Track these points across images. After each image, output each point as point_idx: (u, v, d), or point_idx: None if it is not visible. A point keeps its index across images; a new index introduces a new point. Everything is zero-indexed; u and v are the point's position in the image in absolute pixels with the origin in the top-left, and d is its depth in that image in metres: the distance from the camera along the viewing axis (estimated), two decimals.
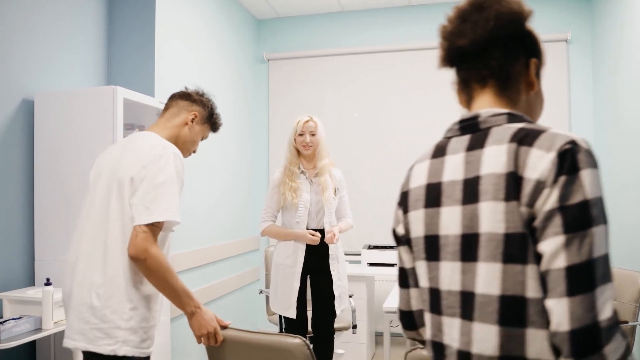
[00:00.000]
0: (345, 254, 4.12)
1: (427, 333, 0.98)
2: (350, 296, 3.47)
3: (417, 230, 0.97)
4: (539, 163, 0.81)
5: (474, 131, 0.93)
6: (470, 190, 0.88)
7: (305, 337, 1.91)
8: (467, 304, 0.88)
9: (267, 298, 3.53)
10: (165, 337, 2.93)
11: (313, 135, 2.88)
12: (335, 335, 3.08)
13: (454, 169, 0.92)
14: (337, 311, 2.95)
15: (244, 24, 4.65)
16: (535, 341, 0.82)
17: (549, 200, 0.79)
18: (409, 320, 1.08)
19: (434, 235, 0.94)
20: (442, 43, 0.99)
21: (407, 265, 1.05)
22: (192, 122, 1.87)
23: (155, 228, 1.58)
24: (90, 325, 1.58)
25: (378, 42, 4.70)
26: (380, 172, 4.64)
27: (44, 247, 2.62)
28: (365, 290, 3.93)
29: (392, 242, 3.54)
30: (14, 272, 2.55)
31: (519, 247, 0.82)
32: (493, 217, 0.84)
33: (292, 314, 2.85)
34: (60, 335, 2.44)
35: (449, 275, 0.91)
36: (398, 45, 4.64)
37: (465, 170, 0.90)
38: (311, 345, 1.59)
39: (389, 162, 4.64)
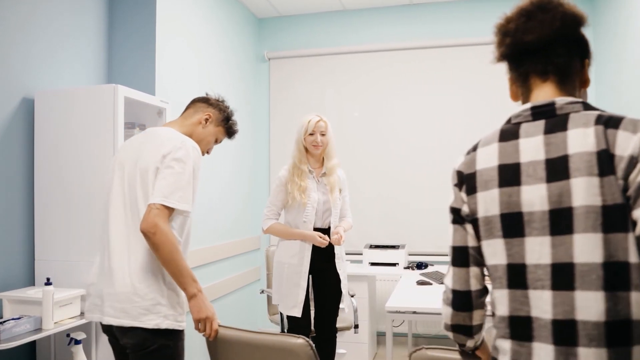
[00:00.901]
0: (347, 254, 4.12)
1: (502, 309, 1.02)
2: (352, 296, 3.46)
3: (490, 210, 1.03)
4: (628, 142, 0.92)
5: (549, 117, 1.02)
6: (557, 169, 0.96)
7: (308, 337, 1.89)
8: (562, 274, 0.94)
9: (269, 298, 3.51)
10: None
11: (323, 135, 2.89)
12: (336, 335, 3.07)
13: (534, 150, 1.00)
14: (345, 309, 3.02)
15: (244, 23, 4.63)
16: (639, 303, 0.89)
17: None
18: (466, 300, 1.10)
19: (515, 212, 1.00)
20: (503, 39, 1.10)
21: (471, 243, 1.10)
22: (205, 122, 2.00)
23: (167, 209, 1.68)
24: (133, 304, 1.69)
25: (379, 41, 4.68)
26: (381, 171, 4.63)
27: (44, 247, 2.61)
28: (367, 289, 3.92)
29: (393, 242, 3.53)
30: (14, 271, 2.53)
31: (619, 217, 0.91)
32: (589, 191, 0.92)
33: (298, 312, 2.83)
34: (60, 335, 2.43)
35: (538, 249, 0.97)
36: (399, 44, 4.62)
37: (547, 151, 0.98)
38: (314, 345, 1.57)
39: (390, 161, 4.62)
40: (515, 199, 1.00)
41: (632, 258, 0.90)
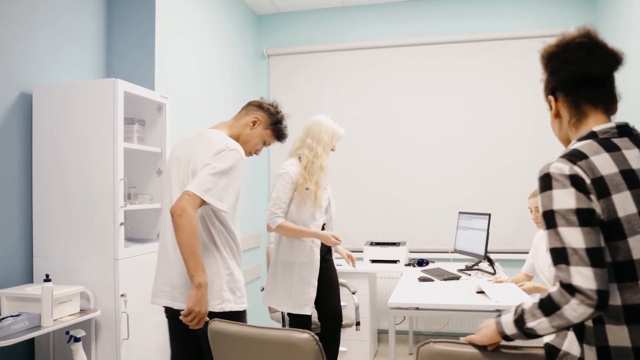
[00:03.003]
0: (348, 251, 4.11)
1: None
2: (354, 293, 3.43)
3: (628, 209, 1.15)
4: None
5: (630, 135, 1.25)
6: None
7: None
8: None
9: None
10: (166, 336, 2.87)
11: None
12: None
13: (636, 159, 1.20)
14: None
15: (244, 19, 4.60)
16: None
17: None
18: (607, 300, 1.13)
19: None
20: (562, 66, 1.30)
21: (603, 244, 1.16)
22: (253, 124, 2.15)
23: (198, 199, 1.82)
24: None
25: (380, 38, 4.66)
26: (381, 168, 4.61)
27: (43, 244, 2.58)
28: (368, 287, 3.89)
29: (393, 239, 3.52)
30: (12, 268, 2.50)
31: None
32: None
33: (309, 310, 2.79)
34: (59, 332, 2.40)
35: None
36: (399, 40, 4.60)
37: None
38: (319, 340, 1.54)
39: (390, 158, 4.60)
40: None
41: None
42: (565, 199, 1.17)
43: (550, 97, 1.36)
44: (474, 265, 3.62)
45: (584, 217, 1.15)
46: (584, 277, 1.12)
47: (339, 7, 4.75)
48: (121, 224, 2.51)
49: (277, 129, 2.21)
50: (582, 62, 1.26)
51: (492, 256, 3.60)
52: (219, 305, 1.91)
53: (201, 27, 3.81)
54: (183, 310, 1.82)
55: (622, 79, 1.32)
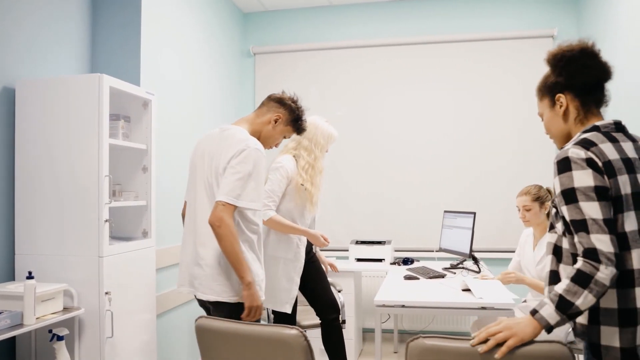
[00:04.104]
0: (333, 250, 4.11)
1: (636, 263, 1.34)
2: (339, 291, 3.44)
3: (626, 189, 1.37)
4: None
5: (623, 130, 1.49)
6: None
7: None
8: None
9: None
10: (150, 334, 2.86)
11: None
12: (319, 332, 3.05)
13: (630, 150, 1.43)
14: None
15: (230, 17, 4.58)
16: None
17: None
18: (621, 260, 1.33)
19: (637, 192, 1.38)
20: (577, 69, 1.50)
21: (613, 216, 1.36)
22: (275, 122, 2.25)
23: (231, 206, 1.98)
24: (217, 282, 2.06)
25: (367, 37, 4.67)
26: (368, 167, 4.62)
27: (26, 241, 2.53)
28: (353, 285, 3.89)
29: (379, 238, 3.58)
30: None
31: None
32: None
33: (289, 309, 2.80)
34: (41, 331, 2.36)
35: None
36: (386, 40, 4.61)
37: (637, 152, 1.44)
38: (308, 336, 1.54)
39: (376, 157, 4.61)
40: (636, 182, 1.39)
41: None
42: (584, 178, 1.37)
43: (561, 95, 1.53)
44: (458, 264, 3.64)
45: (601, 193, 1.36)
46: (603, 242, 1.31)
47: (325, 5, 4.75)
48: (106, 220, 2.48)
49: (297, 125, 2.32)
50: (598, 69, 1.50)
51: (477, 255, 3.63)
52: (234, 297, 2.05)
53: (187, 24, 3.78)
54: (203, 299, 2.08)
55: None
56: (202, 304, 2.18)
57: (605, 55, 1.53)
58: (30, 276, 2.18)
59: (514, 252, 3.27)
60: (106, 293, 2.47)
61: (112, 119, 2.63)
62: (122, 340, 2.60)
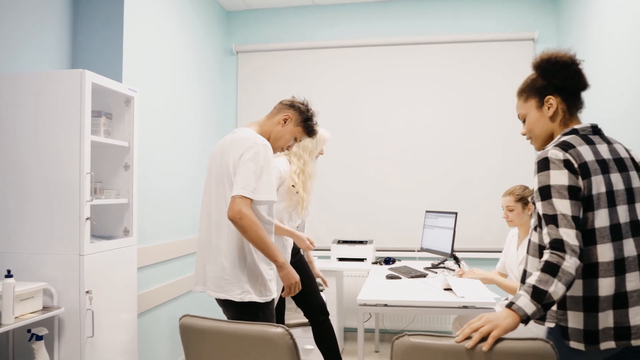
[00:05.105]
0: (315, 249, 4.11)
1: (608, 257, 1.47)
2: (322, 290, 3.44)
3: (599, 189, 1.49)
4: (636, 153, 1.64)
5: (599, 133, 1.62)
6: (620, 165, 1.56)
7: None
8: (636, 228, 1.51)
9: None
10: (131, 334, 2.82)
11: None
12: (304, 331, 3.07)
13: (606, 152, 1.56)
14: None
15: (213, 15, 4.55)
16: None
17: None
18: (584, 253, 1.44)
19: (611, 190, 1.50)
20: (576, 77, 1.64)
21: (581, 214, 1.48)
22: (284, 122, 2.30)
23: (247, 199, 2.01)
24: (224, 280, 2.11)
25: (350, 37, 4.68)
26: (350, 167, 4.64)
27: (4, 239, 2.48)
28: (335, 285, 3.90)
29: (361, 237, 3.62)
30: None
31: None
32: (636, 179, 1.57)
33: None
34: (20, 331, 2.32)
35: (624, 214, 1.51)
36: (369, 40, 4.64)
37: (611, 153, 1.57)
38: (294, 335, 1.54)
39: (359, 157, 4.63)
40: (609, 181, 1.51)
41: None
42: (560, 177, 1.48)
43: (551, 97, 1.65)
44: (440, 263, 3.68)
45: (573, 193, 1.48)
46: (569, 236, 1.43)
47: (309, 5, 4.75)
48: (87, 218, 2.45)
49: (307, 126, 2.34)
50: (584, 77, 1.65)
51: (459, 254, 3.67)
52: (239, 295, 2.09)
53: (170, 21, 3.74)
54: (214, 296, 2.15)
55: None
56: (219, 302, 2.24)
57: (586, 57, 1.67)
58: (9, 275, 2.14)
59: (497, 252, 3.31)
60: (87, 292, 2.44)
61: (94, 116, 2.60)
62: (103, 339, 2.57)
